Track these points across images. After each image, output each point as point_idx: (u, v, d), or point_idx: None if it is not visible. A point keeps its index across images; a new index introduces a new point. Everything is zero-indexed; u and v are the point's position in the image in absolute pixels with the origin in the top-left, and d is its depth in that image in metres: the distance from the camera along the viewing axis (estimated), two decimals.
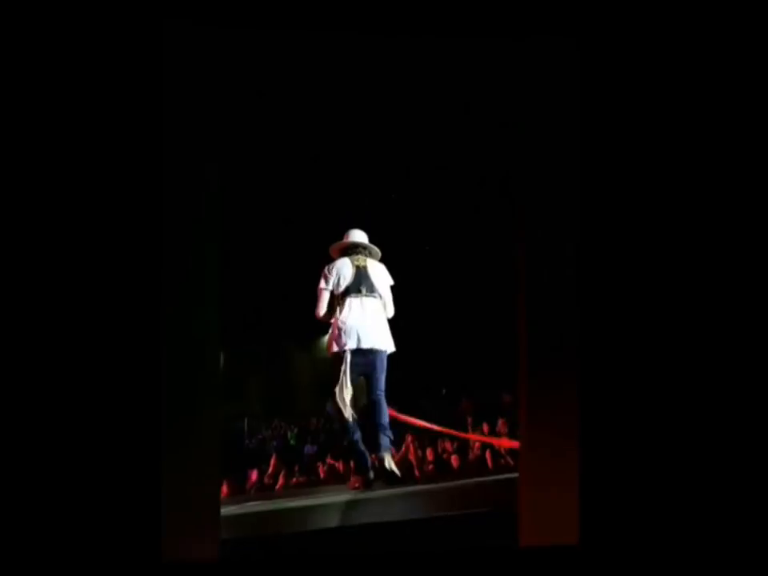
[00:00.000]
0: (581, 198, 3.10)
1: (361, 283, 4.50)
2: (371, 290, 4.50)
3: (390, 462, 4.35)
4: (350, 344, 4.38)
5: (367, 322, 4.43)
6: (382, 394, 4.45)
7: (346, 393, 4.36)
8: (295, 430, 8.32)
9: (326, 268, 4.59)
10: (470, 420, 5.83)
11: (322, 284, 4.54)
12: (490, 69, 3.16)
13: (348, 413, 4.38)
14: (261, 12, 2.96)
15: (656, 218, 3.13)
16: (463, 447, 5.59)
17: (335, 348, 4.44)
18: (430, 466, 5.49)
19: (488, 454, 5.30)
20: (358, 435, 4.43)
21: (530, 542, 3.09)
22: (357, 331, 4.40)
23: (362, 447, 4.42)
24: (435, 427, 5.34)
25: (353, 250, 4.64)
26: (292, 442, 8.09)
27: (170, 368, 2.96)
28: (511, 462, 5.09)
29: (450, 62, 3.15)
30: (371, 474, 4.37)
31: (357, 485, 4.42)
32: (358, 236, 4.71)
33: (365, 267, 4.55)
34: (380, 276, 4.59)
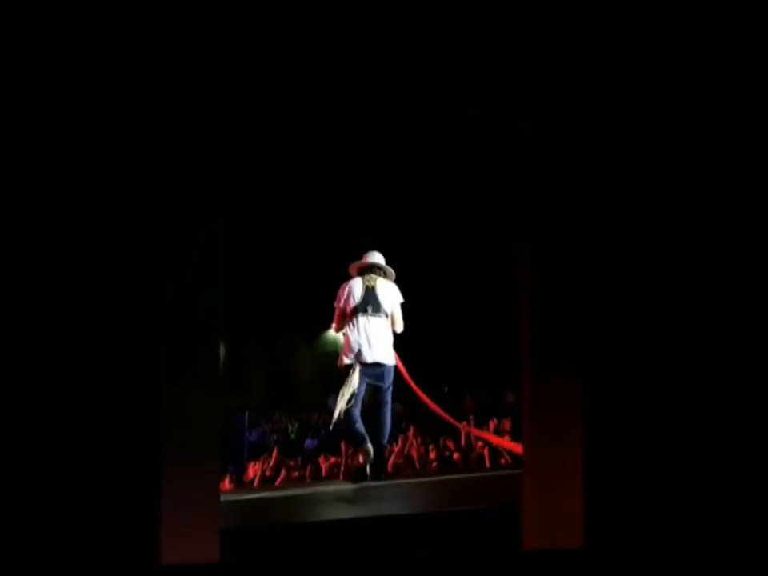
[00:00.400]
0: (582, 195, 3.07)
1: (368, 303, 4.83)
2: (377, 309, 4.83)
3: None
4: (357, 359, 4.73)
5: (372, 339, 4.76)
6: (388, 405, 4.81)
7: (343, 396, 4.66)
8: (296, 424, 8.33)
9: (341, 287, 4.94)
10: (472, 418, 5.85)
11: (335, 303, 4.93)
12: (489, 66, 3.14)
13: (337, 413, 4.70)
14: (263, 5, 2.93)
15: (658, 216, 3.11)
16: (465, 445, 5.60)
17: (345, 360, 4.80)
18: (434, 464, 5.51)
19: (486, 452, 5.33)
20: (359, 423, 4.69)
21: (533, 545, 3.07)
22: (362, 347, 4.74)
23: (362, 430, 4.69)
24: (438, 409, 5.44)
25: (368, 270, 4.95)
26: (292, 436, 8.10)
27: (169, 361, 2.93)
28: (510, 461, 5.11)
29: (450, 56, 3.13)
30: (369, 446, 4.62)
31: (361, 459, 4.70)
32: (375, 257, 5.01)
33: (374, 288, 4.87)
34: (389, 295, 4.90)
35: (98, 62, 2.90)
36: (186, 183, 2.96)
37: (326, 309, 5.08)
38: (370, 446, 4.62)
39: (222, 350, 3.20)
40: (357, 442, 4.70)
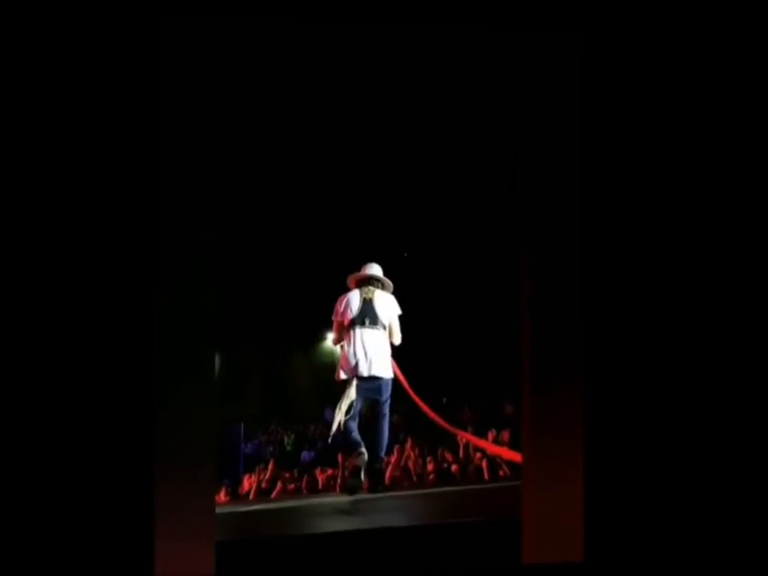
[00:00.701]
0: (582, 200, 3.05)
1: (366, 315, 4.80)
2: (374, 321, 4.81)
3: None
4: (354, 372, 4.70)
5: (369, 352, 4.73)
6: (386, 417, 4.77)
7: (341, 409, 4.64)
8: (292, 436, 8.29)
9: (338, 300, 4.93)
10: (470, 429, 5.82)
11: (333, 315, 4.92)
12: (490, 67, 3.12)
13: (335, 426, 4.67)
14: (263, 5, 2.92)
15: (659, 221, 3.09)
16: (464, 457, 5.57)
17: (342, 375, 4.76)
18: (431, 476, 5.47)
19: (485, 464, 5.29)
20: (355, 433, 4.67)
21: (533, 558, 3.03)
22: (359, 360, 4.71)
23: (358, 438, 4.67)
24: (436, 418, 5.43)
25: (366, 282, 4.93)
26: (289, 448, 8.07)
27: (163, 370, 2.89)
28: (509, 473, 5.08)
29: (451, 57, 3.11)
30: (363, 449, 4.59)
31: (354, 463, 4.60)
32: (373, 269, 5.00)
33: (371, 300, 4.85)
34: (386, 307, 4.88)
35: (97, 62, 2.88)
36: (184, 192, 2.93)
37: (323, 319, 5.08)
38: (364, 449, 4.59)
39: (217, 360, 3.16)
40: (352, 448, 4.65)
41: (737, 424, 3.10)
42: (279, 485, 5.98)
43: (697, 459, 3.11)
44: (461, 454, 5.60)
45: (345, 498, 4.59)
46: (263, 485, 6.12)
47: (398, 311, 4.93)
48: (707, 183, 3.10)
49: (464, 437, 5.54)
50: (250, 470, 6.78)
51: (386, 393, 4.77)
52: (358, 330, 4.77)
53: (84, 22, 2.86)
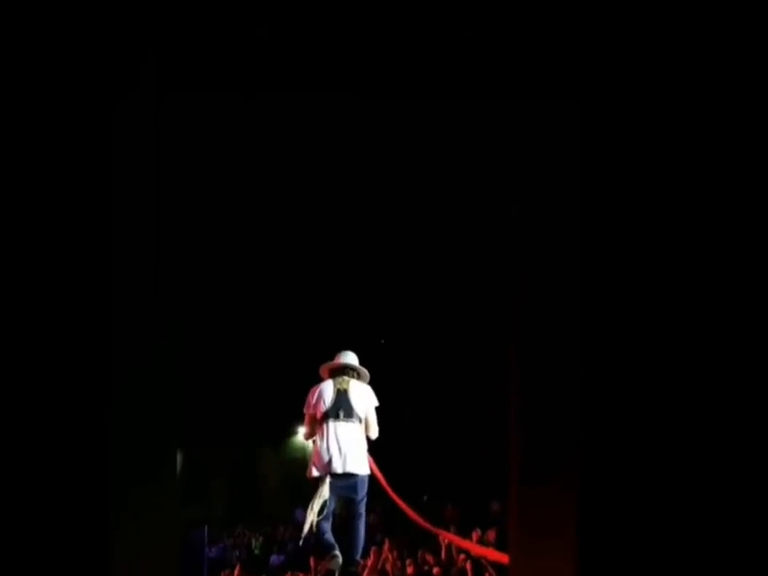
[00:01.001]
0: (580, 280, 2.92)
1: (340, 408, 4.60)
2: (349, 414, 4.60)
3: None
4: (327, 469, 4.48)
5: (343, 448, 4.52)
6: (362, 517, 4.58)
7: (313, 509, 4.43)
8: (260, 539, 8.11)
9: (310, 391, 4.74)
10: (453, 529, 5.67)
11: (305, 408, 4.73)
12: (486, 135, 3.09)
13: (307, 528, 4.46)
14: (253, 78, 2.84)
15: (663, 299, 2.95)
16: (446, 559, 5.40)
17: (314, 473, 4.54)
18: None
19: (469, 566, 5.09)
20: (328, 534, 4.48)
21: None
22: (333, 456, 4.49)
23: (332, 540, 4.46)
24: (416, 518, 5.16)
25: (341, 371, 4.75)
26: (257, 551, 7.88)
27: (118, 470, 2.68)
28: (495, 575, 4.90)
29: (446, 128, 3.08)
30: (337, 551, 4.38)
31: (327, 566, 4.40)
32: (348, 358, 4.83)
33: (346, 390, 4.65)
34: (362, 399, 4.68)
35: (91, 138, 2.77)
36: (141, 288, 2.78)
37: (294, 412, 4.90)
38: (338, 552, 4.37)
39: (179, 457, 2.98)
40: (325, 551, 4.42)
41: (739, 508, 2.92)
42: None
43: (699, 557, 2.91)
44: (443, 556, 5.51)
45: None
46: None
47: (375, 403, 4.73)
48: (709, 251, 3.01)
49: (446, 537, 5.41)
50: (215, 575, 6.61)
51: (362, 491, 4.55)
52: (332, 424, 4.56)
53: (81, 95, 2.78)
